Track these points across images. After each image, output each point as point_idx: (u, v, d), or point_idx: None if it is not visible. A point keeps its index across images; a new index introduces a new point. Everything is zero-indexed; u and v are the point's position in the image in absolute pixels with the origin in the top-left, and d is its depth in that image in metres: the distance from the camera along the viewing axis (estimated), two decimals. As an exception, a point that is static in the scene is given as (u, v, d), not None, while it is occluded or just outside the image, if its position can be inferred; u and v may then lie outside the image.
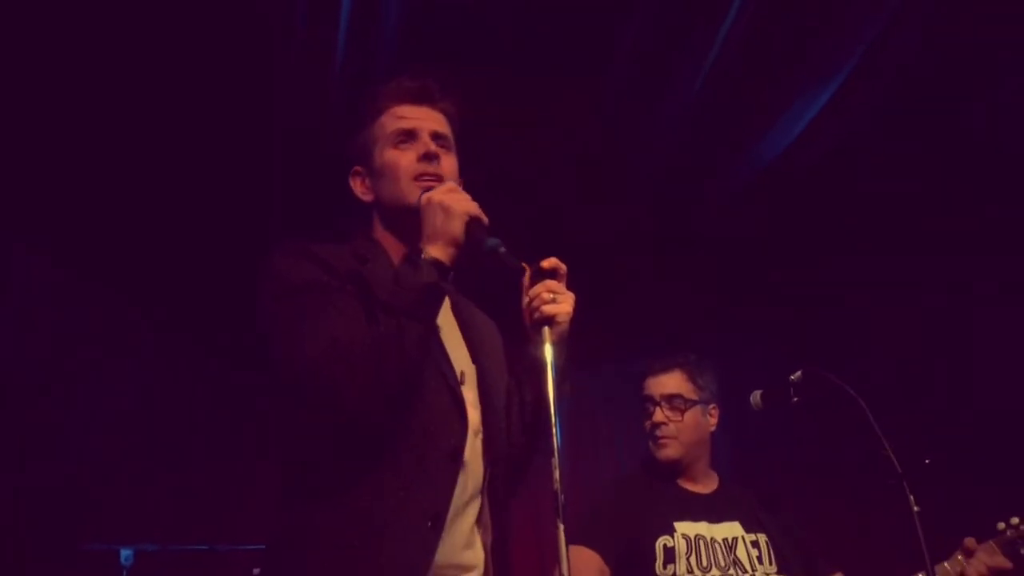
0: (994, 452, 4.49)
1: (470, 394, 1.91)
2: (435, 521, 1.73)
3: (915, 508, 2.34)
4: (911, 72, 3.81)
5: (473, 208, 1.79)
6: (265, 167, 4.26)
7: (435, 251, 1.77)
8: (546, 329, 1.87)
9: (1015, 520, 2.78)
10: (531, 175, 4.49)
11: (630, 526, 2.78)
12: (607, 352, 5.06)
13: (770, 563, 2.82)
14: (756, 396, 2.92)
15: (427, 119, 2.00)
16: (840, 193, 4.59)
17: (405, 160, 1.95)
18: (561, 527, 1.67)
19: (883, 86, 3.83)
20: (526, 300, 1.94)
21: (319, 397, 1.70)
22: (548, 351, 1.84)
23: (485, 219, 1.80)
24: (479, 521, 1.89)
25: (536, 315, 1.89)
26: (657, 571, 2.72)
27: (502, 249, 1.78)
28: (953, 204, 4.54)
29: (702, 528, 2.82)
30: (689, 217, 4.79)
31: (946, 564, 2.74)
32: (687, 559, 2.73)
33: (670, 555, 2.74)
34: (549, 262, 1.94)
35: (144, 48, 3.71)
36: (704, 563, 2.75)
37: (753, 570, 2.78)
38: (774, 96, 3.99)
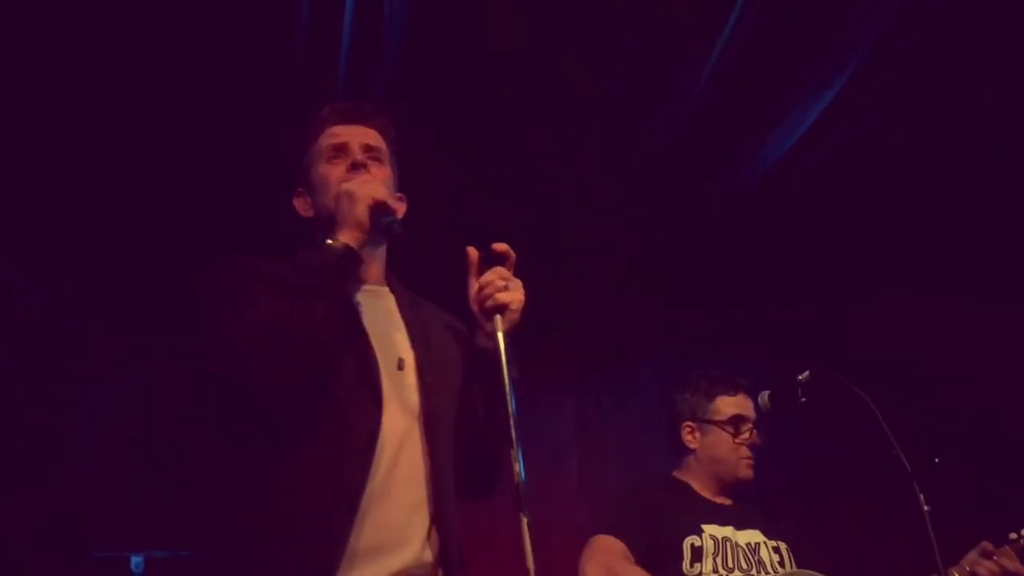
0: (1001, 452, 4.50)
1: (410, 378, 1.92)
2: (350, 504, 1.75)
3: (925, 508, 2.35)
4: (913, 72, 3.81)
5: (378, 192, 1.84)
6: (264, 174, 4.26)
7: (341, 236, 1.81)
8: (498, 317, 1.86)
9: None
10: (531, 176, 4.50)
11: (658, 523, 2.80)
12: (603, 356, 5.10)
13: (792, 566, 2.84)
14: (764, 397, 2.93)
15: (358, 134, 2.05)
16: (840, 193, 4.59)
17: (335, 172, 1.99)
18: (524, 520, 1.64)
19: (885, 87, 3.83)
20: (475, 287, 1.92)
21: (234, 380, 1.77)
22: (501, 339, 1.82)
23: (392, 203, 1.86)
24: (421, 503, 1.87)
25: (489, 303, 1.87)
26: (684, 569, 2.74)
27: (396, 227, 1.84)
28: (953, 204, 4.55)
29: (728, 532, 2.84)
30: (690, 219, 4.79)
31: (965, 566, 2.73)
32: (713, 559, 2.76)
33: (697, 554, 2.75)
34: (500, 246, 1.92)
35: (136, 53, 3.71)
36: (730, 563, 2.77)
37: (775, 572, 2.80)
38: (775, 99, 4.00)
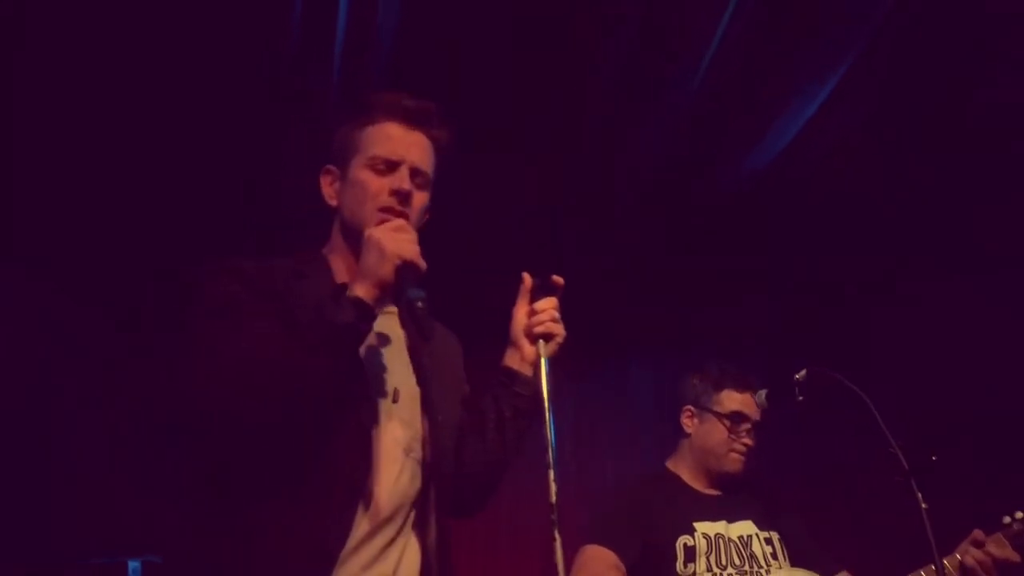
0: (998, 449, 4.50)
1: (406, 412, 1.86)
2: (325, 561, 1.66)
3: (923, 505, 2.34)
4: (906, 71, 3.81)
5: (408, 252, 1.73)
6: (264, 178, 4.26)
7: (360, 290, 1.71)
8: (541, 343, 1.92)
9: (1020, 514, 2.79)
10: (530, 177, 4.49)
11: (649, 526, 2.81)
12: (602, 356, 5.09)
13: (784, 559, 2.85)
14: (761, 395, 2.95)
15: (414, 152, 1.93)
16: (840, 192, 4.59)
17: (376, 186, 1.90)
18: (558, 539, 1.67)
19: (879, 85, 3.83)
20: (524, 310, 1.98)
21: (213, 415, 1.67)
22: (544, 366, 1.87)
23: (421, 264, 1.74)
24: (417, 536, 1.83)
25: (540, 328, 1.92)
26: (678, 570, 2.75)
27: (420, 304, 1.75)
28: (953, 204, 4.55)
29: (720, 527, 2.85)
30: (690, 218, 4.79)
31: (956, 555, 2.75)
32: (707, 558, 2.76)
33: (690, 554, 2.77)
34: (558, 279, 1.97)
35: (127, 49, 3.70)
36: (723, 561, 2.78)
37: (768, 566, 2.80)
38: (772, 96, 4.00)
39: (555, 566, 1.65)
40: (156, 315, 4.42)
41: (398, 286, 1.74)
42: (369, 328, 1.74)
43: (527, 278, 2.00)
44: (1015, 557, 2.75)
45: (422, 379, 1.93)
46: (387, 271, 1.71)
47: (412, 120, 1.96)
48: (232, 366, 1.63)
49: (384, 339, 1.91)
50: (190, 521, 1.77)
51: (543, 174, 4.42)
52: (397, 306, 1.98)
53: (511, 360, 2.01)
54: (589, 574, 2.72)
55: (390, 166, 1.91)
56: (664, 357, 5.06)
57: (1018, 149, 4.28)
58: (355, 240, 1.88)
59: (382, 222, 1.84)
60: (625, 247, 4.87)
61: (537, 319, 1.94)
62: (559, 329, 1.93)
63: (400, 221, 1.82)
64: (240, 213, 4.35)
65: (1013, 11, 3.56)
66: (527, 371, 1.98)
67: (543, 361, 1.88)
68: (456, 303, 2.33)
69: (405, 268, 1.73)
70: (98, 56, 3.65)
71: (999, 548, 2.74)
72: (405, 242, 1.74)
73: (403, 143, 1.93)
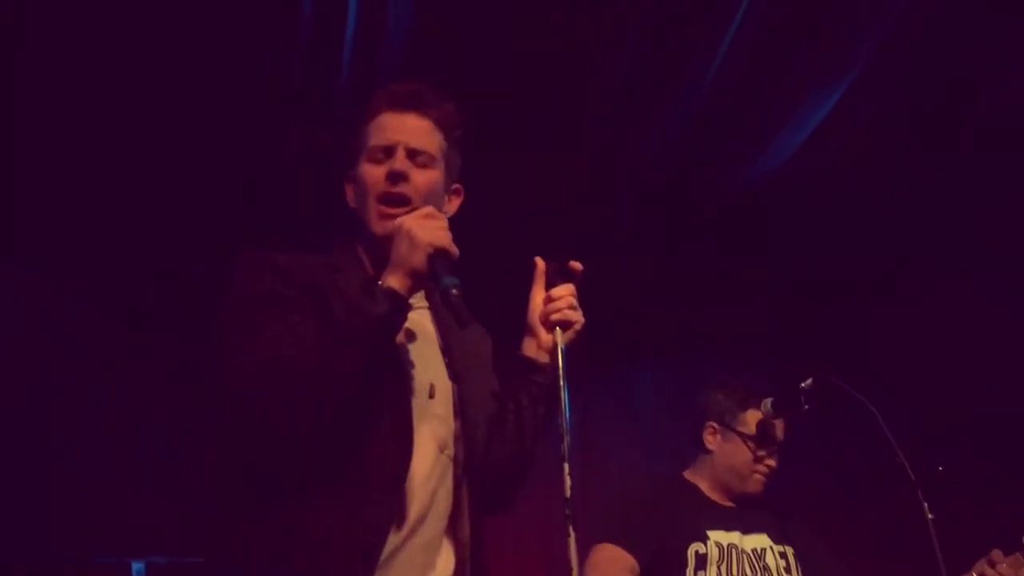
0: (998, 449, 4.51)
1: (441, 408, 1.84)
2: (368, 555, 1.64)
3: (929, 516, 2.34)
4: (910, 74, 3.81)
5: (440, 239, 1.69)
6: (266, 178, 4.25)
7: (393, 281, 1.67)
8: (558, 330, 1.88)
9: None
10: (532, 175, 4.49)
11: (663, 530, 2.78)
12: (603, 359, 5.09)
13: (798, 574, 2.84)
14: (767, 404, 2.92)
15: (408, 132, 1.90)
16: (840, 193, 4.59)
17: (374, 176, 1.88)
18: (572, 535, 1.64)
19: (888, 90, 3.83)
20: (540, 297, 1.94)
21: (249, 413, 1.64)
22: (561, 354, 1.84)
23: (454, 251, 1.70)
24: (450, 535, 1.82)
25: (557, 316, 1.89)
26: None
27: (454, 291, 1.68)
28: (953, 204, 4.55)
29: (734, 538, 2.83)
30: (693, 220, 4.78)
31: (973, 574, 2.73)
32: (718, 566, 2.74)
33: (701, 562, 2.75)
34: (576, 264, 1.93)
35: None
36: (734, 571, 2.76)
37: None
38: (775, 99, 3.99)
39: (569, 562, 1.63)
40: (156, 315, 4.43)
41: (431, 275, 1.69)
42: (403, 319, 1.71)
43: (540, 262, 1.97)
44: None
45: (454, 375, 1.90)
46: (419, 260, 1.67)
47: (403, 104, 1.93)
48: (265, 362, 1.61)
49: (417, 334, 1.87)
50: (225, 520, 1.74)
51: (546, 174, 4.41)
52: (428, 300, 1.96)
53: (528, 348, 1.96)
54: (602, 573, 2.70)
55: (387, 152, 1.89)
56: (665, 359, 5.06)
57: (1019, 149, 4.28)
58: (369, 239, 1.88)
59: (382, 215, 1.84)
60: (626, 248, 4.86)
61: (554, 306, 1.90)
62: (577, 316, 1.89)
63: (430, 208, 1.78)
64: (242, 213, 4.33)
65: (1016, 12, 3.56)
66: (545, 359, 1.93)
67: (560, 350, 1.84)
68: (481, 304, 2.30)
69: (437, 256, 1.68)
70: (107, 57, 3.65)
71: (1015, 569, 2.72)
72: (436, 229, 1.70)
73: (395, 128, 1.91)
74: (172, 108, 3.94)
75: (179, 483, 4.27)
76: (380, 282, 1.68)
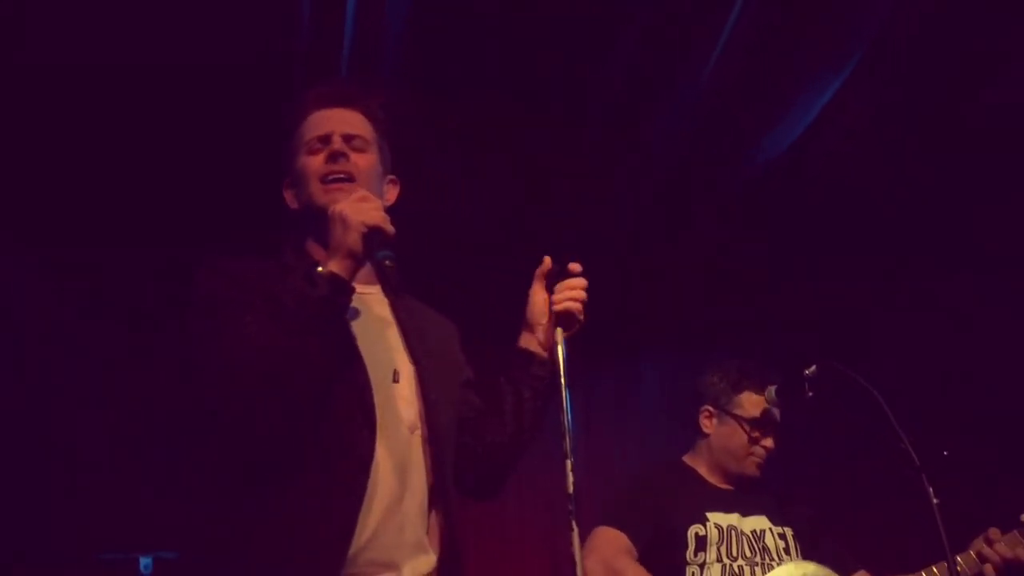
0: (998, 449, 4.51)
1: (406, 390, 1.89)
2: (343, 535, 1.69)
3: (934, 500, 2.34)
4: (912, 67, 3.82)
5: (372, 218, 1.75)
6: (268, 178, 4.24)
7: (333, 265, 1.74)
8: (559, 331, 1.93)
9: None
10: (530, 169, 4.49)
11: (662, 512, 2.81)
12: (608, 354, 5.09)
13: (797, 554, 2.84)
14: (771, 392, 2.93)
15: (341, 122, 1.99)
16: (841, 193, 4.60)
17: (314, 163, 1.95)
18: (575, 530, 1.67)
19: (881, 85, 3.84)
20: (542, 292, 1.99)
21: (216, 413, 1.71)
22: (562, 347, 1.88)
23: (388, 228, 1.77)
24: (429, 513, 1.86)
25: (562, 306, 1.93)
26: (688, 558, 2.75)
27: (388, 263, 1.78)
28: (953, 204, 4.56)
29: (734, 519, 2.85)
30: (693, 214, 4.79)
31: (971, 552, 2.74)
32: (718, 547, 2.76)
33: (701, 543, 2.76)
34: (576, 266, 1.99)
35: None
36: (734, 552, 2.78)
37: (780, 559, 2.80)
38: (774, 96, 4.00)
39: (572, 557, 1.65)
40: (156, 315, 4.42)
41: (367, 253, 1.76)
42: (347, 301, 1.76)
43: (547, 261, 2.01)
44: None
45: (415, 358, 1.94)
46: (354, 239, 1.74)
47: (332, 102, 2.02)
48: (224, 363, 1.68)
49: (377, 321, 1.94)
50: (203, 514, 1.79)
51: (548, 170, 4.42)
52: (385, 289, 2.02)
53: (527, 342, 2.01)
54: (600, 556, 2.71)
55: (323, 140, 1.96)
56: (670, 353, 5.06)
57: (1019, 149, 4.29)
58: (318, 226, 1.91)
59: (328, 192, 1.90)
60: (628, 242, 4.86)
61: (563, 296, 1.95)
62: (579, 309, 1.95)
63: (362, 191, 1.85)
64: (243, 213, 4.33)
65: (1016, 10, 3.58)
66: (544, 354, 1.99)
67: (560, 346, 1.89)
68: (456, 302, 2.32)
69: (372, 234, 1.75)
70: (106, 57, 3.65)
71: (1012, 547, 2.72)
72: (369, 209, 1.77)
73: (328, 120, 1.99)
74: (171, 108, 3.95)
75: (179, 482, 4.26)
76: (319, 268, 1.74)
